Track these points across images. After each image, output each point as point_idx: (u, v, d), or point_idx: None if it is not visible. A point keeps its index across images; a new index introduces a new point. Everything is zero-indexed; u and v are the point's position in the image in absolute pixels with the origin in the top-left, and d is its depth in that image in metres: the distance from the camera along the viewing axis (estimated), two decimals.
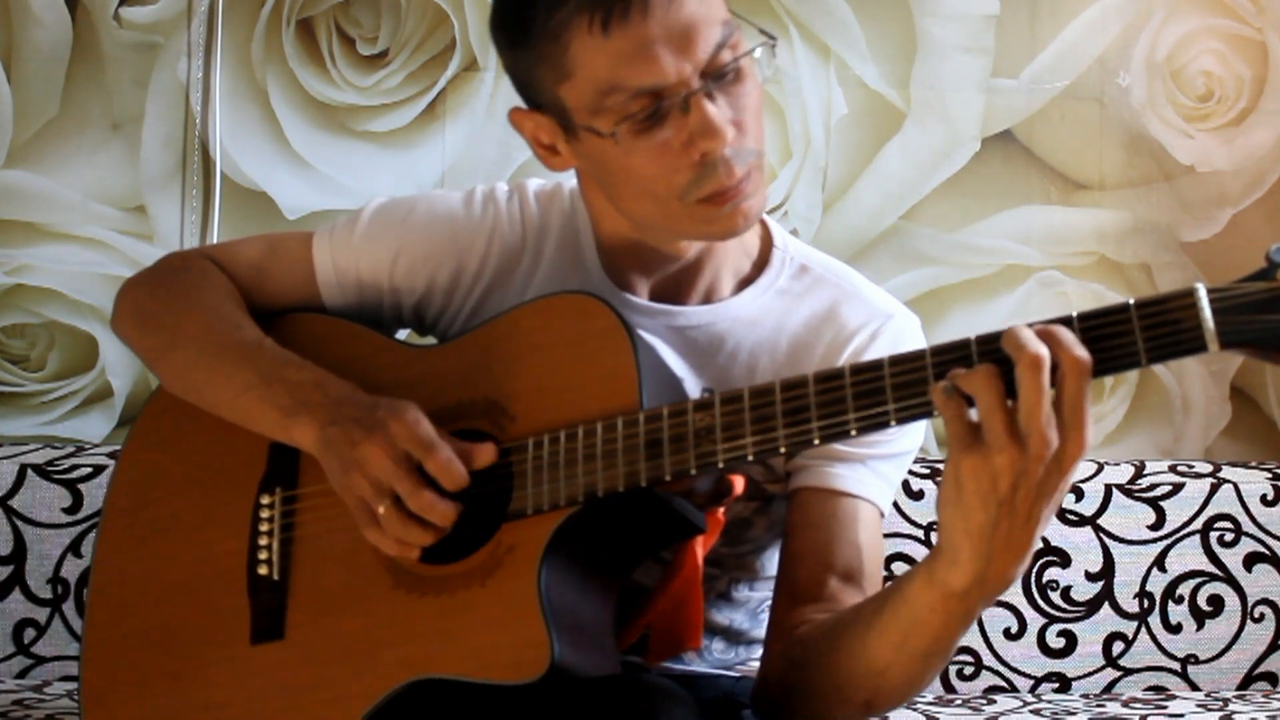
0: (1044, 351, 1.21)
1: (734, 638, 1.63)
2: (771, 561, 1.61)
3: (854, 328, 1.57)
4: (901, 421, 1.29)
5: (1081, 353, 1.22)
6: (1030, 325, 1.24)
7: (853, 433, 1.31)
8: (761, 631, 1.63)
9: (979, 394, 1.23)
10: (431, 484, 1.40)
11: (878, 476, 1.55)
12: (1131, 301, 1.23)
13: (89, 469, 2.18)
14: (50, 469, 2.18)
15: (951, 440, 1.24)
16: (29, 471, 2.17)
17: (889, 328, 1.58)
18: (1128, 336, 1.23)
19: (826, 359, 1.56)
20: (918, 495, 2.23)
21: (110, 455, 2.20)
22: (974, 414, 1.24)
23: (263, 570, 1.51)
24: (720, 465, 1.35)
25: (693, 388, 1.54)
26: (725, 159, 1.44)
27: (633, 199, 1.50)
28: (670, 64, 1.41)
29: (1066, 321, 1.24)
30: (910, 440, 1.57)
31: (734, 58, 1.44)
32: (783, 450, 1.33)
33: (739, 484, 1.43)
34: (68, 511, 2.16)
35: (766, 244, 1.63)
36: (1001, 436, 1.22)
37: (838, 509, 1.52)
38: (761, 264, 1.62)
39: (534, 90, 1.50)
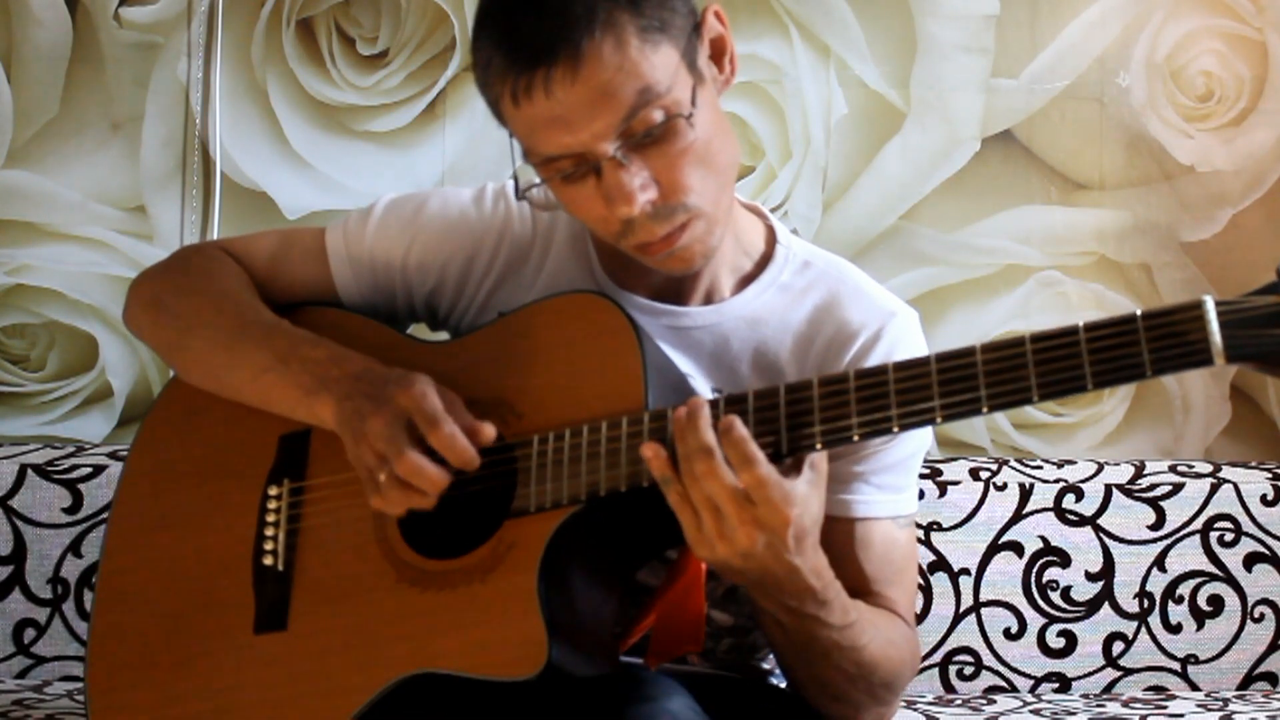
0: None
1: (739, 636, 1.63)
2: None
3: (857, 326, 1.57)
4: (905, 428, 1.30)
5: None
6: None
7: (855, 438, 1.31)
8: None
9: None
10: (434, 454, 1.40)
11: (880, 490, 1.55)
12: (1139, 313, 1.23)
13: (89, 469, 2.18)
14: (50, 469, 2.18)
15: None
16: (29, 471, 2.17)
17: (892, 326, 1.58)
18: (1134, 348, 1.23)
19: (828, 355, 1.56)
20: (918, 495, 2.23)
21: (110, 455, 2.20)
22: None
23: (268, 561, 1.52)
24: None
25: (700, 387, 1.54)
26: (643, 220, 1.44)
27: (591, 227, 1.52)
28: (575, 136, 1.41)
29: (1072, 332, 1.24)
30: (915, 443, 1.58)
31: (664, 118, 1.42)
32: (785, 453, 1.33)
33: None
34: (68, 511, 2.16)
35: (770, 241, 1.63)
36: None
37: (837, 534, 1.52)
38: (764, 261, 1.62)
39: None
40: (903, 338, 1.57)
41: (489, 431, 1.42)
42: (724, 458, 1.30)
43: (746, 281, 1.61)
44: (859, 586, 1.51)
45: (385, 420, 1.41)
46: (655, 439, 1.36)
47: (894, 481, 1.56)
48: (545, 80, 1.39)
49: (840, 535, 1.52)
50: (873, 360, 1.55)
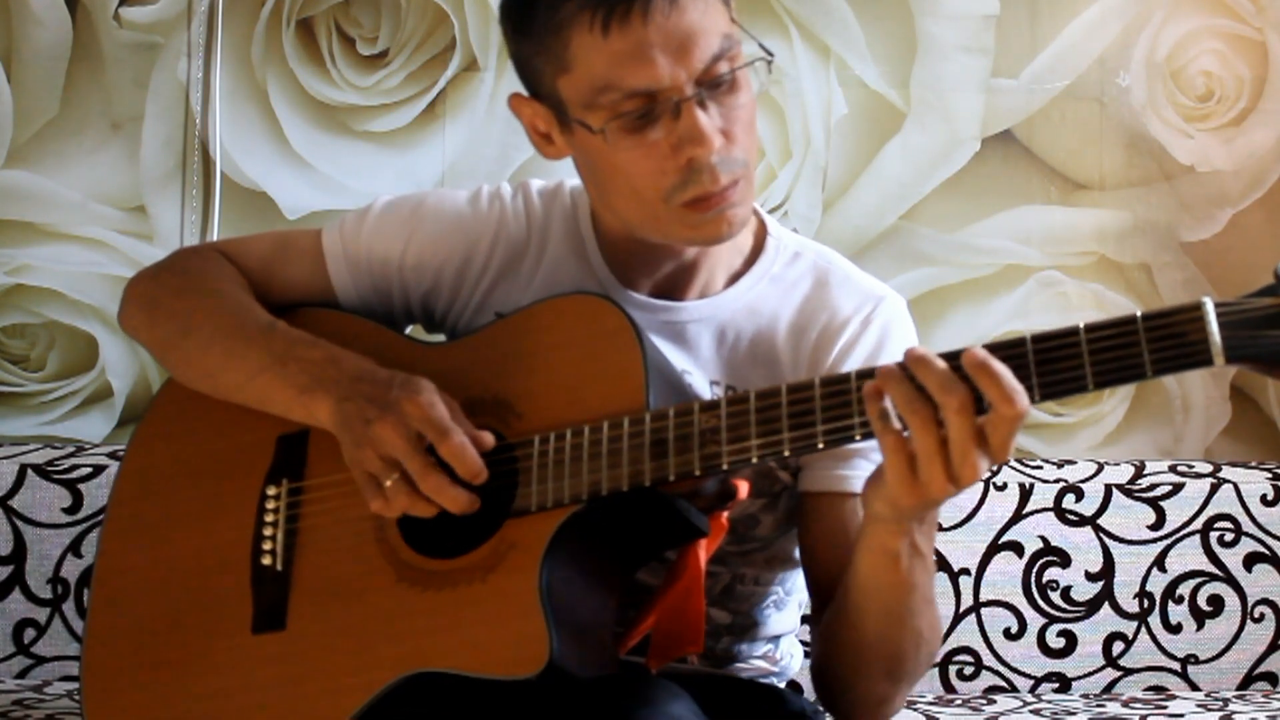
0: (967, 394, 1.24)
1: (738, 633, 1.63)
2: (777, 558, 1.62)
3: (847, 313, 1.59)
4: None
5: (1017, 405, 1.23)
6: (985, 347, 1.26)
7: (857, 437, 1.32)
8: (766, 628, 1.65)
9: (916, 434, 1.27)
10: (444, 465, 1.41)
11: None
12: (1139, 314, 1.23)
13: (89, 469, 2.18)
14: (50, 469, 2.18)
15: (890, 470, 1.28)
16: (29, 471, 2.17)
17: (882, 309, 1.60)
18: (1134, 349, 1.23)
19: (822, 343, 1.58)
20: None
21: (110, 455, 2.20)
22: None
23: (266, 561, 1.52)
24: (725, 467, 1.36)
25: (699, 381, 1.55)
26: (711, 165, 1.45)
27: (619, 197, 1.52)
28: (665, 69, 1.43)
29: (1072, 332, 1.25)
30: None
31: (731, 69, 1.45)
32: (787, 454, 1.34)
33: (744, 489, 1.44)
34: (68, 511, 2.16)
35: (760, 237, 1.65)
36: (940, 478, 1.26)
37: (844, 510, 1.53)
38: (755, 254, 1.63)
39: (534, 79, 1.53)
40: (893, 321, 1.59)
41: (487, 440, 1.43)
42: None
43: (738, 276, 1.62)
44: None
45: (394, 427, 1.41)
46: (656, 440, 1.36)
47: None
48: (645, 6, 1.42)
49: (841, 510, 1.54)
50: (865, 345, 1.57)
